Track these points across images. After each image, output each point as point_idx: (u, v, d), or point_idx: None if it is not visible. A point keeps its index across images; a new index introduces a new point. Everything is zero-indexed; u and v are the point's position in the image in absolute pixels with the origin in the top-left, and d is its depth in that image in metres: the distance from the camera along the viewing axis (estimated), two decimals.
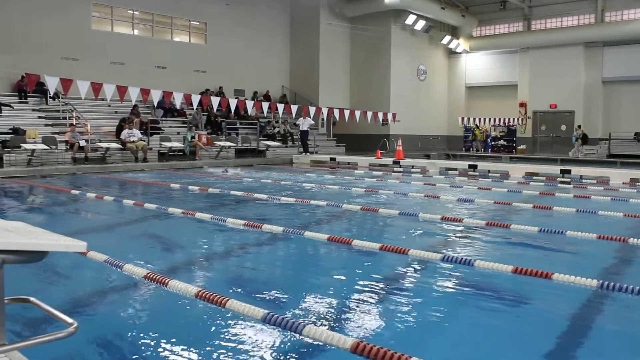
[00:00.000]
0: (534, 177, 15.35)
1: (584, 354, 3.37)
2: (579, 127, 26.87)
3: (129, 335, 3.55)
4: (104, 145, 17.69)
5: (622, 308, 4.24)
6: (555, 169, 16.46)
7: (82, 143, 16.88)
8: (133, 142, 17.77)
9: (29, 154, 15.87)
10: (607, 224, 7.60)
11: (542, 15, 29.74)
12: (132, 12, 23.19)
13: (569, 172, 15.73)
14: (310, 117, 22.17)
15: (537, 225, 7.12)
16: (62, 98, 19.22)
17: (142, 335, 3.54)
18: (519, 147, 29.49)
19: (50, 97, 19.57)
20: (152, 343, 3.40)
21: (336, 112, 22.24)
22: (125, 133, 17.91)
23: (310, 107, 21.69)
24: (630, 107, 27.23)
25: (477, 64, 32.25)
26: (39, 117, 18.95)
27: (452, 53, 32.52)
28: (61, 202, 10.57)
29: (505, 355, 3.37)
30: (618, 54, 27.32)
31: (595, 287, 4.44)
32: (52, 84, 15.06)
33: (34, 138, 16.44)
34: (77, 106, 19.25)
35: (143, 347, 3.35)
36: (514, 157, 26.96)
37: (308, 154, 22.36)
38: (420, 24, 28.48)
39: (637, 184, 13.89)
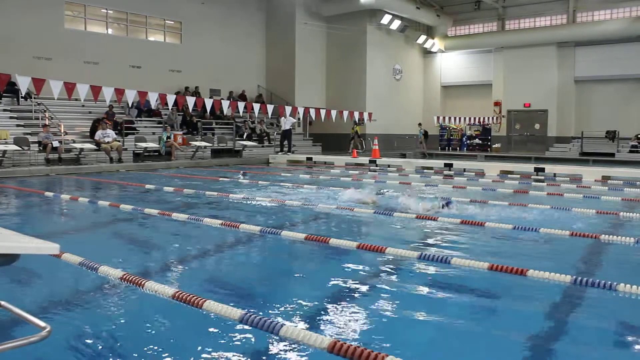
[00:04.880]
0: (509, 175, 15.53)
1: (559, 349, 3.42)
2: (420, 124, 29.31)
3: (104, 338, 3.51)
4: (78, 145, 17.46)
5: (594, 303, 4.31)
6: (529, 167, 16.67)
7: (56, 144, 16.64)
8: (107, 142, 17.58)
9: (0, 155, 15.58)
10: (580, 221, 7.71)
11: (516, 15, 30.11)
12: (105, 11, 22.92)
13: (542, 170, 15.95)
14: (293, 117, 22.01)
15: (511, 222, 7.21)
16: (34, 98, 18.92)
17: (118, 338, 3.50)
18: (493, 146, 29.80)
19: (21, 97, 19.24)
20: (129, 346, 3.37)
21: (312, 112, 22.23)
22: (99, 133, 17.70)
23: (286, 107, 21.67)
24: (602, 106, 27.71)
25: (452, 64, 32.52)
26: (10, 118, 18.63)
27: (427, 52, 32.73)
28: (34, 203, 10.41)
29: (482, 351, 3.40)
30: (589, 54, 27.79)
31: (569, 283, 4.51)
32: (23, 83, 14.83)
33: (5, 139, 16.17)
34: (50, 106, 18.97)
35: (119, 350, 3.31)
36: (489, 155, 27.26)
37: (290, 153, 22.29)
38: (396, 24, 28.61)
39: (609, 181, 14.14)
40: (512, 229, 6.90)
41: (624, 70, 26.74)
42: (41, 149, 16.52)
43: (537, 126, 29.59)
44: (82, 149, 17.36)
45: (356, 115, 24.34)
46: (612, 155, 24.29)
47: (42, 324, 2.18)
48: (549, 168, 16.20)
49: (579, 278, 4.53)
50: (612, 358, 3.29)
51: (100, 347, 3.39)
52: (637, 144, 24.78)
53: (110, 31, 23.31)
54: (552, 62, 28.54)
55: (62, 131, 18.02)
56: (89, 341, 3.47)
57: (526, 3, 29.37)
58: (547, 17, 29.13)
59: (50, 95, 15.99)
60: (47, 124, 17.58)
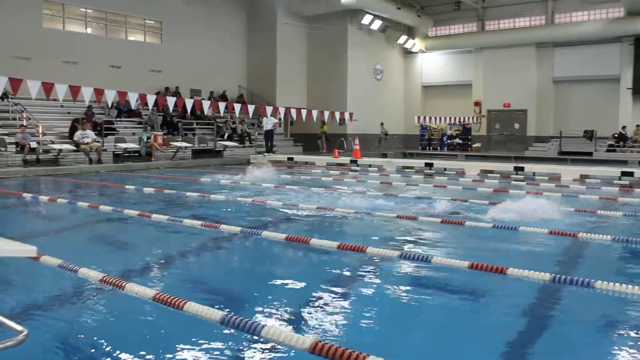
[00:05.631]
0: (489, 175, 15.66)
1: (539, 345, 3.45)
2: (382, 124, 29.26)
3: (84, 341, 3.48)
4: (57, 146, 17.26)
5: (573, 300, 4.37)
6: (509, 167, 16.82)
7: (33, 145, 16.44)
8: (87, 143, 17.39)
9: None
10: (558, 219, 7.79)
11: (496, 16, 30.38)
12: (84, 10, 22.68)
13: (522, 169, 16.11)
14: (274, 117, 21.96)
15: (491, 221, 7.27)
16: (11, 98, 18.67)
17: (98, 340, 3.47)
18: (474, 146, 30.03)
19: None
20: (109, 349, 3.33)
21: (293, 112, 22.21)
22: (78, 134, 17.51)
23: (267, 107, 21.62)
24: (580, 105, 28.07)
25: (433, 64, 32.72)
26: None
27: (408, 53, 32.88)
28: (11, 205, 10.28)
29: (464, 350, 3.43)
30: (568, 54, 28.15)
31: (548, 281, 4.57)
32: (0, 83, 14.60)
33: None
34: (27, 106, 18.73)
35: (99, 353, 3.28)
36: (469, 155, 27.47)
37: (271, 153, 22.24)
38: (377, 24, 28.71)
39: (586, 180, 14.33)
40: (492, 228, 6.96)
41: (601, 70, 27.14)
42: (19, 150, 16.30)
43: (516, 126, 29.89)
44: (60, 150, 17.16)
45: (337, 115, 24.39)
46: (590, 154, 24.61)
47: (18, 327, 2.16)
48: (529, 167, 16.36)
49: (558, 276, 4.59)
50: (590, 353, 3.33)
51: (79, 350, 3.36)
52: (614, 143, 25.14)
53: (89, 30, 23.08)
54: (532, 62, 28.85)
55: (40, 132, 17.79)
56: (67, 344, 3.43)
57: (506, 4, 29.65)
58: (527, 18, 29.45)
59: (27, 95, 15.80)
60: (24, 124, 17.35)
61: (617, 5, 26.02)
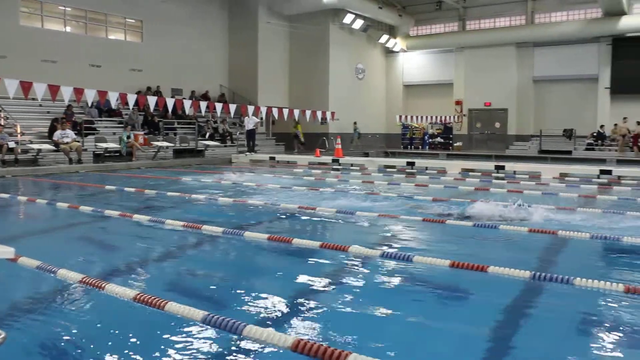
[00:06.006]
0: (470, 173, 15.76)
1: (519, 342, 3.48)
2: (355, 123, 28.74)
3: (64, 343, 3.44)
4: (36, 146, 17.05)
5: (552, 297, 4.40)
6: (490, 165, 16.95)
7: (12, 145, 16.22)
8: (66, 143, 17.19)
9: None
10: (538, 217, 7.85)
11: (476, 16, 30.57)
12: (63, 8, 22.40)
13: (503, 167, 16.24)
14: (256, 116, 21.92)
15: (471, 220, 7.32)
16: None
17: (78, 342, 3.44)
18: (455, 144, 30.20)
19: None
20: (89, 350, 3.30)
21: (275, 111, 22.16)
22: (58, 134, 17.30)
23: (249, 106, 21.54)
24: (559, 105, 28.37)
25: (414, 63, 32.83)
26: None
27: (389, 52, 32.97)
28: None
29: (445, 348, 3.45)
30: (547, 54, 28.42)
31: (528, 278, 4.61)
32: None
33: None
34: (5, 106, 18.47)
35: (79, 355, 3.25)
36: (450, 154, 27.64)
37: (253, 153, 22.20)
38: (358, 23, 28.76)
39: (566, 178, 14.50)
40: (472, 227, 7.00)
41: (580, 70, 27.46)
42: None
43: (497, 125, 30.11)
44: (39, 150, 16.95)
45: (319, 114, 24.39)
46: (569, 152, 24.90)
47: None
48: (509, 166, 16.50)
49: (538, 273, 4.64)
50: (569, 349, 3.37)
51: (58, 352, 3.33)
52: (592, 141, 25.45)
53: (68, 29, 22.81)
54: (512, 61, 29.08)
55: (19, 131, 17.56)
56: (47, 347, 3.39)
57: (486, 4, 29.86)
58: (507, 18, 29.68)
59: (5, 94, 15.56)
60: (2, 124, 17.12)
61: (595, 5, 26.32)
